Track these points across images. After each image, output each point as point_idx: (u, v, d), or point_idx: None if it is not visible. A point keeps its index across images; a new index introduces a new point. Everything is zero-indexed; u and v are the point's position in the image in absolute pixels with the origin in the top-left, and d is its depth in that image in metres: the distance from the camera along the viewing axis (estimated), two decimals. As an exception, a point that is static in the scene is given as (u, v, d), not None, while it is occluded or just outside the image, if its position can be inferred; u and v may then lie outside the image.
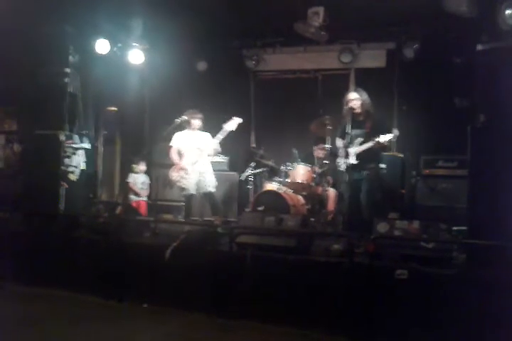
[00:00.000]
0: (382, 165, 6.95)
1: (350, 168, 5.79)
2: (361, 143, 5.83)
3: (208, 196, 6.74)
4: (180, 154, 6.82)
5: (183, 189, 6.71)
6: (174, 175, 6.72)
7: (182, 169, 6.65)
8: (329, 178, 7.14)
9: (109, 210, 6.71)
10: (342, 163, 5.97)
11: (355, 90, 6.06)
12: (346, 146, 5.89)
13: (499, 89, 4.59)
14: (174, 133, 6.90)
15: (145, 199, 8.14)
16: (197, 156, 6.66)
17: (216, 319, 4.86)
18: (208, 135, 6.85)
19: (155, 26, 7.57)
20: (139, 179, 8.11)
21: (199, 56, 8.68)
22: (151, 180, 8.14)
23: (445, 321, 4.18)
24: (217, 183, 6.82)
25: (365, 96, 5.91)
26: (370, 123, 5.85)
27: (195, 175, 6.61)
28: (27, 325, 4.63)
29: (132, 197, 8.05)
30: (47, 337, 4.41)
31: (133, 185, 8.05)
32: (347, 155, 5.86)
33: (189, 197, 6.76)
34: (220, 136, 6.63)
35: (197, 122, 6.81)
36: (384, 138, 5.58)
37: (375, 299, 4.35)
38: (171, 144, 6.87)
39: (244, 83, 8.96)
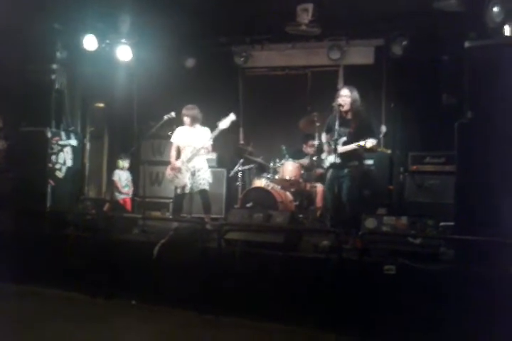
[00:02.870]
0: (370, 162, 6.97)
1: (333, 165, 5.75)
2: (344, 143, 5.71)
3: (201, 194, 6.65)
4: (178, 150, 6.74)
5: (176, 188, 6.67)
6: (169, 173, 6.66)
7: (176, 168, 6.58)
8: (318, 170, 7.05)
9: (96, 207, 6.65)
10: (325, 160, 5.96)
11: (348, 87, 5.88)
12: (331, 143, 5.76)
13: (486, 86, 4.61)
14: (173, 129, 6.83)
15: (130, 196, 8.05)
16: (191, 154, 6.55)
17: (205, 316, 4.85)
18: (207, 131, 6.65)
19: (143, 23, 7.53)
20: (123, 176, 8.00)
21: (187, 53, 8.61)
22: (139, 176, 7.98)
23: (433, 316, 4.21)
24: (211, 181, 6.72)
25: (356, 95, 5.77)
26: (355, 124, 5.72)
27: (188, 174, 6.50)
28: (17, 323, 4.60)
29: (117, 194, 7.93)
30: (36, 335, 4.38)
31: (118, 182, 7.94)
32: (331, 152, 5.75)
33: (181, 197, 6.68)
34: (213, 134, 6.52)
35: (185, 119, 6.64)
36: (368, 144, 5.48)
37: (364, 294, 4.36)
38: (171, 140, 6.79)
39: (232, 80, 8.94)
